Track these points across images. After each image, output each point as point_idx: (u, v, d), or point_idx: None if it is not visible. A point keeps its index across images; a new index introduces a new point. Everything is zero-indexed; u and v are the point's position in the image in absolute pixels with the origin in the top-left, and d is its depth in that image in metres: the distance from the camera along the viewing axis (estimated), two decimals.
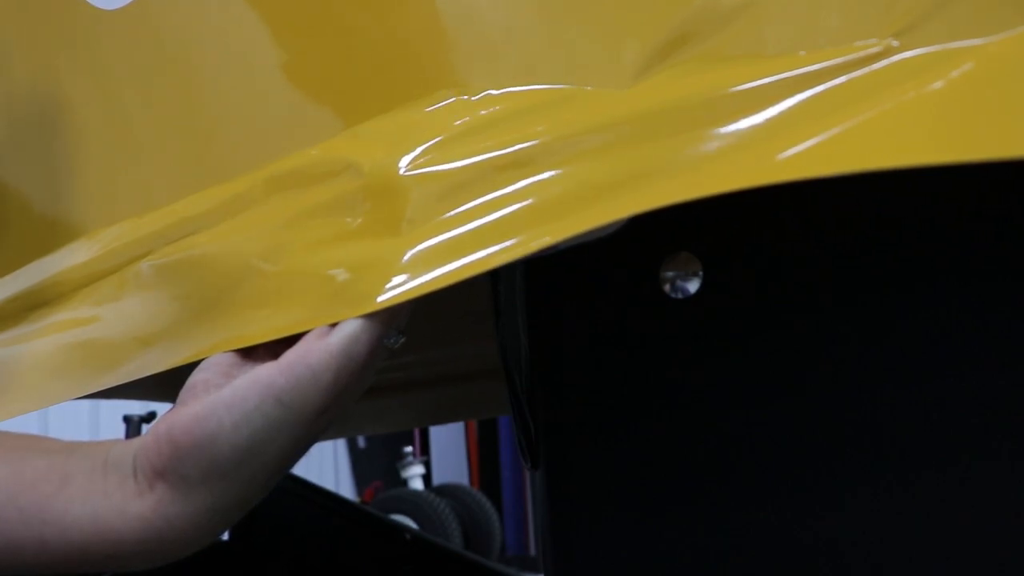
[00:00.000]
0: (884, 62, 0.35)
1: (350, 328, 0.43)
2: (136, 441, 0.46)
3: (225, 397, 0.43)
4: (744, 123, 0.36)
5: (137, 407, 2.29)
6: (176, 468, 0.43)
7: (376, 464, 3.52)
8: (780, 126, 0.36)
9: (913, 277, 0.40)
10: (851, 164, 0.34)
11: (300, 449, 0.44)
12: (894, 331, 0.40)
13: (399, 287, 0.42)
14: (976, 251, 0.39)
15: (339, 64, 0.51)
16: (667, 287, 0.43)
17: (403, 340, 0.44)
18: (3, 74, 0.67)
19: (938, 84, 0.33)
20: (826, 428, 0.41)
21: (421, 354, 1.11)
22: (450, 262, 0.41)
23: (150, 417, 2.29)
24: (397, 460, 3.42)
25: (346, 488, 3.45)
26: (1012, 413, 0.38)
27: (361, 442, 3.53)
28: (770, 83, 0.36)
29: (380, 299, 0.42)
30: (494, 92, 0.45)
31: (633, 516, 0.45)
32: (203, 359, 0.48)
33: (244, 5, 0.54)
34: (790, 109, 0.36)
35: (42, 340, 0.64)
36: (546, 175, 0.40)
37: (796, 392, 0.42)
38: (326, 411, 0.43)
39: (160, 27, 0.58)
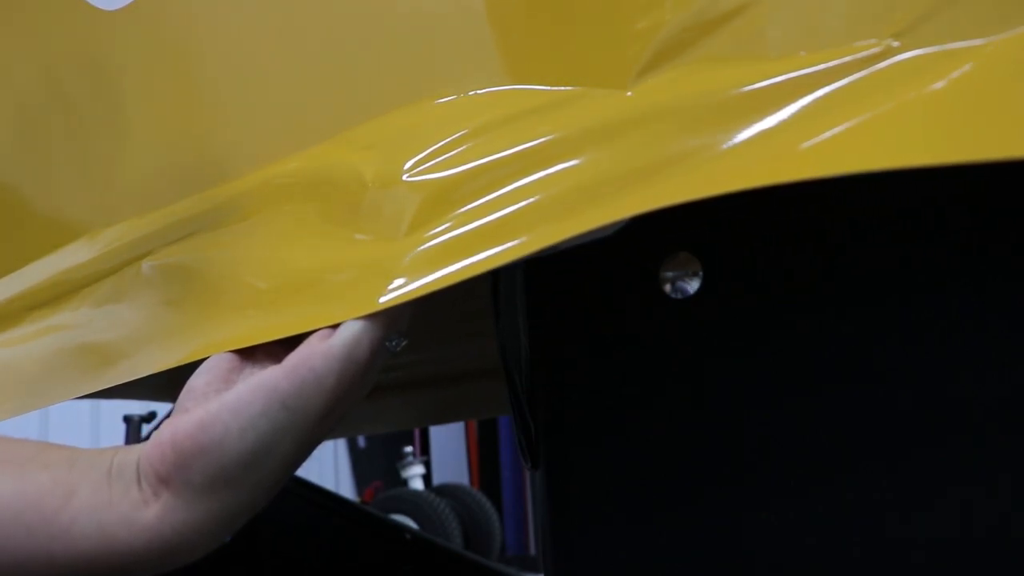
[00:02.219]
0: (885, 63, 0.35)
1: (352, 330, 0.43)
2: (138, 448, 0.45)
3: (229, 402, 0.43)
4: (747, 125, 0.36)
5: (137, 407, 2.29)
6: (181, 475, 0.43)
7: (376, 464, 3.52)
8: (783, 129, 0.36)
9: (913, 277, 0.40)
10: (854, 165, 0.34)
11: (305, 452, 0.44)
12: (894, 331, 0.40)
13: (400, 288, 0.42)
14: (976, 251, 0.39)
15: (340, 64, 0.51)
16: (667, 287, 0.43)
17: (405, 343, 0.44)
18: (5, 75, 0.67)
19: (939, 85, 0.33)
20: (827, 428, 0.41)
21: (422, 354, 1.11)
22: (452, 263, 0.41)
23: (150, 417, 2.29)
24: (397, 460, 3.41)
25: (346, 488, 3.45)
26: (1016, 413, 0.38)
27: (361, 442, 3.53)
28: (772, 86, 0.36)
29: (382, 300, 0.42)
30: (496, 90, 0.45)
31: (633, 516, 0.45)
32: (202, 360, 0.48)
33: (244, 6, 0.54)
34: (793, 112, 0.36)
35: (42, 340, 0.64)
36: (549, 174, 0.40)
37: (796, 392, 0.42)
38: (330, 413, 0.43)
39: (160, 28, 0.58)
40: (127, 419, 2.34)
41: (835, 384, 0.41)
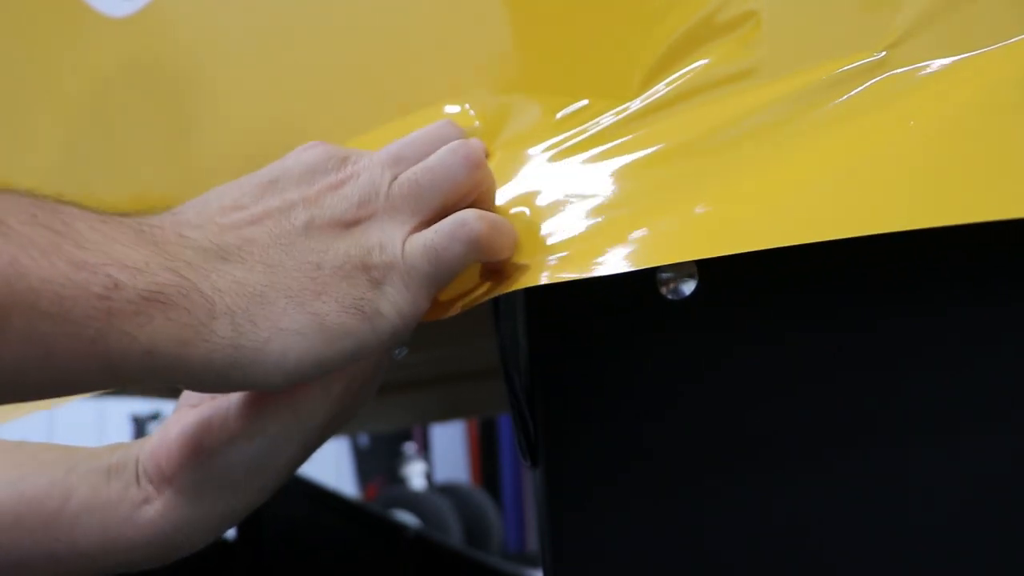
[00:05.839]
0: (875, 79, 0.36)
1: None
2: (137, 445, 0.46)
3: (239, 407, 0.43)
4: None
5: (143, 407, 2.29)
6: (187, 475, 0.43)
7: (378, 462, 3.52)
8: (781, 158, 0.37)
9: (910, 277, 0.40)
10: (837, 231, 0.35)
11: (308, 454, 0.45)
12: (892, 329, 0.40)
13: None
14: (976, 251, 0.39)
15: (345, 72, 0.51)
16: (663, 289, 0.43)
17: (406, 352, 0.45)
18: (13, 79, 0.68)
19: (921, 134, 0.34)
20: (826, 426, 0.41)
21: (423, 354, 1.12)
22: None
23: (157, 417, 2.29)
24: (399, 458, 3.42)
25: (348, 486, 3.45)
26: (1018, 407, 0.38)
27: (363, 440, 3.53)
28: (766, 123, 0.37)
29: None
30: (494, 99, 0.45)
31: (632, 514, 0.45)
32: None
33: (247, 15, 0.55)
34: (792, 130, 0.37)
35: None
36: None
37: (794, 391, 0.42)
38: (336, 418, 0.44)
39: (164, 34, 0.58)
40: (136, 419, 2.34)
41: (833, 383, 0.41)
